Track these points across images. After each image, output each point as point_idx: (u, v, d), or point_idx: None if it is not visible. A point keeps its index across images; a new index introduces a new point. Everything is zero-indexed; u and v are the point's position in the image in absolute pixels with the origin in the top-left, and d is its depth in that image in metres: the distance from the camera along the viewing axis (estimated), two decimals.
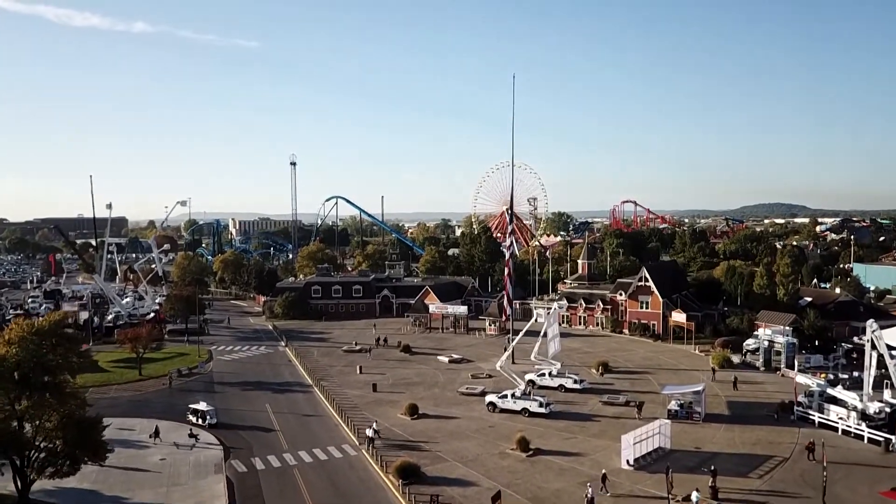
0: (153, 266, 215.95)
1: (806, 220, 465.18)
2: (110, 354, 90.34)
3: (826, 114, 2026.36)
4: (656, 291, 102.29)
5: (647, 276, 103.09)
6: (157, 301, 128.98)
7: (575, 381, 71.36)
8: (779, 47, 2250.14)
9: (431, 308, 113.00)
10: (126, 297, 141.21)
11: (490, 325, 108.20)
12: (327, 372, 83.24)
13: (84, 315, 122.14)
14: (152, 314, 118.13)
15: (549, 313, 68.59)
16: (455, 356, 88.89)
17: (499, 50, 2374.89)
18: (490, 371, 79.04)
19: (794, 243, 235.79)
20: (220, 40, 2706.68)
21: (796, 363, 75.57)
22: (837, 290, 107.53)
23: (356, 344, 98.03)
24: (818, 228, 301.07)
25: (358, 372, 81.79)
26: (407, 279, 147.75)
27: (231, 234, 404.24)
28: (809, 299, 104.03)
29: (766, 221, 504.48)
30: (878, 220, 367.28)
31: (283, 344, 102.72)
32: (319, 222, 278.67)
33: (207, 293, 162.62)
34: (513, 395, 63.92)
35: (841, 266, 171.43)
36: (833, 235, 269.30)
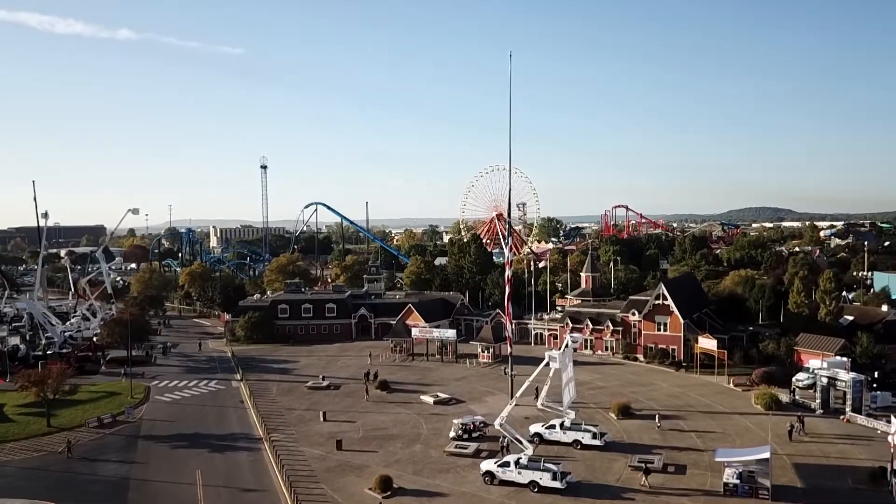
0: (117, 280, 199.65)
1: (795, 224, 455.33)
2: (24, 396, 73.61)
3: (814, 118, 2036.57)
4: (676, 311, 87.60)
5: (666, 293, 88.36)
6: (101, 322, 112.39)
7: (594, 436, 56.11)
8: (767, 51, 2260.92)
9: (414, 332, 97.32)
10: (73, 317, 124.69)
11: (483, 351, 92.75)
12: (284, 419, 67.43)
13: (14, 341, 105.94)
14: (89, 341, 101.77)
15: (563, 351, 53.38)
16: (442, 395, 73.40)
17: (486, 53, 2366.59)
18: (485, 417, 63.79)
19: (797, 249, 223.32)
20: (204, 47, 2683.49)
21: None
22: (885, 308, 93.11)
23: (323, 379, 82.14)
24: (821, 234, 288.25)
25: (321, 419, 66.08)
26: (389, 293, 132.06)
27: (212, 242, 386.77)
28: (851, 318, 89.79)
29: (756, 225, 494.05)
30: (879, 223, 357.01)
31: (238, 377, 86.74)
32: (298, 230, 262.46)
33: (163, 311, 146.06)
34: (517, 463, 48.60)
35: (855, 274, 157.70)
36: (838, 241, 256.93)
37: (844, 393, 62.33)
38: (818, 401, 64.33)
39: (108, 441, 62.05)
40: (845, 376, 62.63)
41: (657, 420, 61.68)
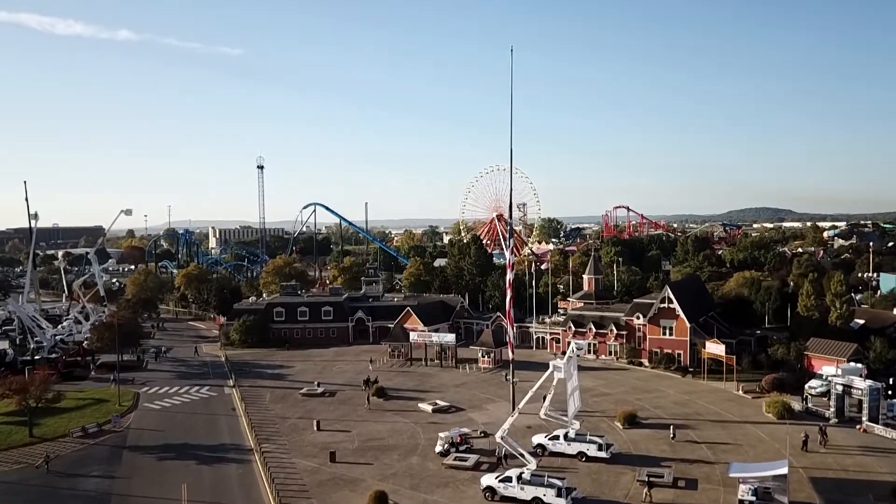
0: (113, 282, 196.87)
1: (796, 224, 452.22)
2: (6, 404, 70.46)
3: (814, 118, 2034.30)
4: (682, 315, 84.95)
5: (672, 296, 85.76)
6: (91, 326, 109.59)
7: (599, 447, 53.54)
8: (767, 51, 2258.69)
9: (413, 336, 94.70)
10: (65, 320, 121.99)
11: (483, 356, 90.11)
12: (276, 428, 64.89)
13: (2, 345, 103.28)
14: (79, 346, 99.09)
15: (567, 360, 50.76)
16: (440, 403, 70.75)
17: (486, 53, 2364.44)
18: (485, 426, 61.43)
19: (801, 250, 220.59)
20: (204, 48, 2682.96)
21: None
22: (895, 311, 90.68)
23: (318, 385, 79.58)
24: (825, 234, 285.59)
25: (315, 428, 63.52)
26: (388, 296, 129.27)
27: (211, 243, 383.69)
28: (862, 322, 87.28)
29: (756, 225, 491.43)
30: (881, 224, 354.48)
31: (231, 383, 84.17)
32: (296, 231, 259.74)
33: (157, 314, 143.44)
34: (519, 478, 46.04)
35: (860, 276, 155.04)
36: (842, 241, 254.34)
37: (860, 401, 59.74)
38: (832, 409, 61.66)
39: (91, 452, 59.43)
40: (861, 384, 59.95)
41: (671, 431, 58.95)
